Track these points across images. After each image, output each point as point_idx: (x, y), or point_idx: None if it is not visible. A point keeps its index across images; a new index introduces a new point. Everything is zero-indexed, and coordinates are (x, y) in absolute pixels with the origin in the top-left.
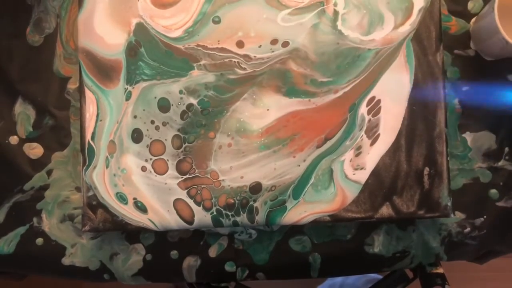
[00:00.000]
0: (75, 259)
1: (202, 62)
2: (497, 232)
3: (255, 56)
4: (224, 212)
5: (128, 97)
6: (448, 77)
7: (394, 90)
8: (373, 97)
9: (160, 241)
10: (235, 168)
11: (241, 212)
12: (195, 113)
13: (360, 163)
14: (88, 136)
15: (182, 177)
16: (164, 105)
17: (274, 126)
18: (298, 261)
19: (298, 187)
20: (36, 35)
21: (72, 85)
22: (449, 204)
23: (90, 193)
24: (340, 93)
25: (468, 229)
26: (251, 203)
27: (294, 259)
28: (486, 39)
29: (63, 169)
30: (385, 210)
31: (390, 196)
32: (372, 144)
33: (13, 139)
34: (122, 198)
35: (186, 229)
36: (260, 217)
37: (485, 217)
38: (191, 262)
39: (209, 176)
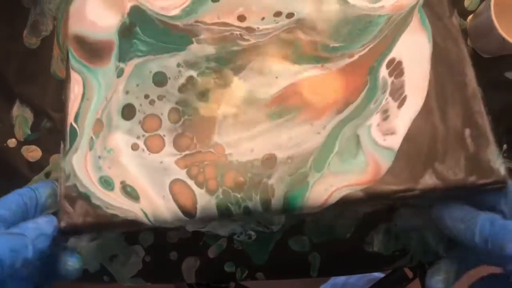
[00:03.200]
0: None
1: (202, 36)
2: None
3: (258, 28)
4: (232, 194)
5: (120, 74)
6: None
7: (414, 51)
8: (393, 59)
9: (159, 242)
10: (244, 140)
11: (253, 194)
12: (195, 85)
13: (389, 127)
14: (70, 119)
15: (180, 154)
16: (160, 80)
17: (284, 93)
18: (297, 261)
19: (320, 157)
20: (33, 37)
21: None
22: (502, 168)
23: (69, 183)
24: (356, 57)
25: None
26: (265, 180)
27: (294, 259)
28: (483, 36)
29: None
30: (429, 179)
31: (431, 163)
32: (399, 106)
33: (11, 142)
34: (107, 182)
35: (184, 227)
36: (277, 200)
37: None
38: (190, 263)
39: (213, 151)
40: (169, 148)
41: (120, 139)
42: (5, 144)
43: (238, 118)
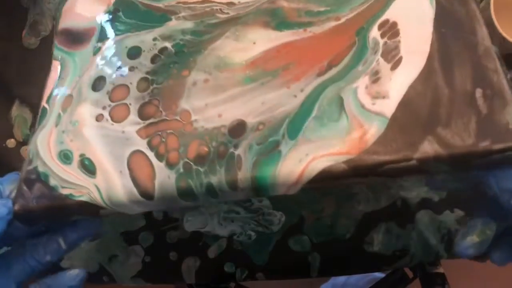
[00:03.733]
0: (74, 262)
1: (181, 14)
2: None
3: (239, 1)
4: (194, 167)
5: (96, 52)
6: None
7: (412, 12)
8: (387, 20)
9: (159, 242)
10: (212, 105)
11: (218, 167)
12: (168, 55)
13: (380, 90)
14: (43, 102)
15: (144, 123)
16: (134, 53)
17: (261, 58)
18: (297, 261)
19: (295, 122)
20: (32, 37)
21: None
22: None
23: (30, 166)
24: (343, 20)
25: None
26: (231, 150)
27: (294, 259)
28: None
29: None
30: (428, 147)
31: (432, 128)
32: (393, 68)
33: (10, 143)
34: (66, 156)
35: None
36: (243, 173)
37: None
38: (190, 263)
39: (178, 118)
40: (133, 116)
41: (86, 110)
42: (4, 145)
43: (208, 83)
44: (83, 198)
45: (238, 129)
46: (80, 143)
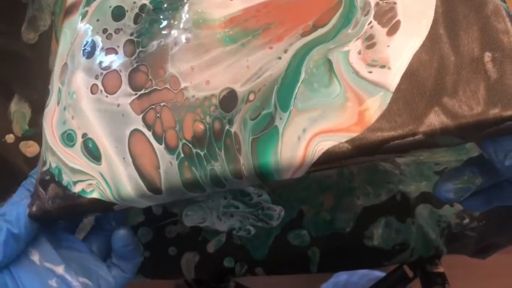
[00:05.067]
0: None
1: None
2: (496, 223)
3: None
4: (194, 151)
5: (83, 16)
6: None
7: None
8: None
9: (158, 237)
10: (198, 69)
11: (217, 150)
12: (148, 13)
13: (377, 58)
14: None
15: (136, 94)
16: (118, 13)
17: (240, 16)
18: (297, 256)
19: (285, 88)
20: (31, 33)
21: None
22: None
23: (45, 168)
24: None
25: (467, 220)
26: (227, 127)
27: (293, 254)
28: None
29: None
30: (434, 118)
31: (438, 99)
32: (390, 34)
33: (9, 138)
34: (69, 137)
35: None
36: (245, 159)
37: None
38: (189, 258)
39: (168, 86)
40: (125, 86)
41: (81, 79)
42: (3, 140)
43: (189, 43)
44: (95, 195)
45: (229, 100)
46: (81, 120)
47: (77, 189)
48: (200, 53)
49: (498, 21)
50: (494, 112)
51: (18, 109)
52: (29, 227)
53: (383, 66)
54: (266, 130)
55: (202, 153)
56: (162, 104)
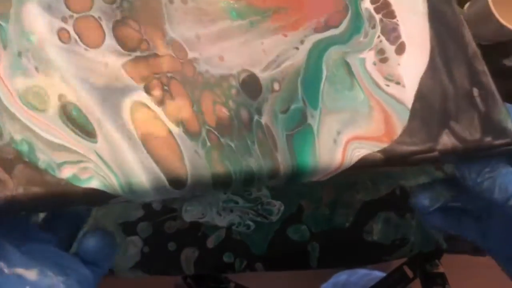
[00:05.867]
0: None
1: None
2: None
3: None
4: (222, 140)
5: None
6: None
7: (407, 4)
8: None
9: (157, 232)
10: (206, 39)
11: (249, 141)
12: None
13: (391, 73)
14: None
15: (130, 55)
16: None
17: None
18: (296, 251)
19: (309, 83)
20: None
21: None
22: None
23: (2, 141)
24: None
25: None
26: (256, 117)
27: (293, 249)
28: (480, 23)
29: None
30: (447, 139)
31: (446, 122)
32: (398, 53)
33: None
34: (38, 98)
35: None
36: (282, 152)
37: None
38: (189, 254)
39: (172, 53)
40: (110, 41)
41: (39, 17)
42: None
43: (187, 4)
44: (94, 185)
45: (251, 86)
46: (52, 75)
47: (64, 174)
48: (204, 21)
49: (478, 63)
50: (488, 140)
51: None
52: None
53: (398, 83)
54: (300, 127)
55: (233, 145)
56: (168, 75)
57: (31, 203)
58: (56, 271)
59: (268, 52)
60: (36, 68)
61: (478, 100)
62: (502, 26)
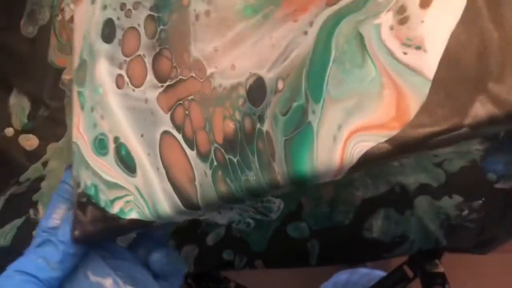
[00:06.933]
0: None
1: None
2: (495, 215)
3: None
4: (227, 157)
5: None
6: None
7: None
8: None
9: None
10: (222, 50)
11: (250, 154)
12: None
13: (411, 35)
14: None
15: (162, 86)
16: None
17: None
18: (296, 248)
19: (314, 71)
20: (30, 26)
21: (66, 76)
22: None
23: (80, 189)
24: None
25: (466, 212)
26: (258, 126)
27: (293, 246)
28: None
29: (59, 160)
30: (480, 109)
31: (482, 85)
32: (423, 6)
33: (9, 131)
34: (102, 144)
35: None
36: (279, 161)
37: (483, 199)
38: (189, 251)
39: (194, 74)
40: (150, 76)
41: (105, 70)
42: (2, 133)
43: (210, 16)
44: (133, 216)
45: (257, 91)
46: (110, 120)
47: (115, 209)
48: (222, 29)
49: None
50: None
51: (17, 102)
52: (82, 246)
53: (418, 48)
54: (299, 128)
55: (235, 160)
56: (190, 97)
57: (99, 235)
58: (127, 281)
59: (277, 46)
60: (102, 117)
61: None
62: None
